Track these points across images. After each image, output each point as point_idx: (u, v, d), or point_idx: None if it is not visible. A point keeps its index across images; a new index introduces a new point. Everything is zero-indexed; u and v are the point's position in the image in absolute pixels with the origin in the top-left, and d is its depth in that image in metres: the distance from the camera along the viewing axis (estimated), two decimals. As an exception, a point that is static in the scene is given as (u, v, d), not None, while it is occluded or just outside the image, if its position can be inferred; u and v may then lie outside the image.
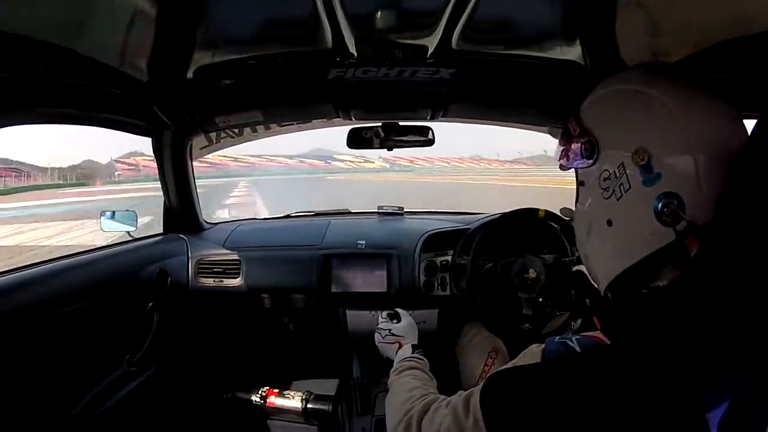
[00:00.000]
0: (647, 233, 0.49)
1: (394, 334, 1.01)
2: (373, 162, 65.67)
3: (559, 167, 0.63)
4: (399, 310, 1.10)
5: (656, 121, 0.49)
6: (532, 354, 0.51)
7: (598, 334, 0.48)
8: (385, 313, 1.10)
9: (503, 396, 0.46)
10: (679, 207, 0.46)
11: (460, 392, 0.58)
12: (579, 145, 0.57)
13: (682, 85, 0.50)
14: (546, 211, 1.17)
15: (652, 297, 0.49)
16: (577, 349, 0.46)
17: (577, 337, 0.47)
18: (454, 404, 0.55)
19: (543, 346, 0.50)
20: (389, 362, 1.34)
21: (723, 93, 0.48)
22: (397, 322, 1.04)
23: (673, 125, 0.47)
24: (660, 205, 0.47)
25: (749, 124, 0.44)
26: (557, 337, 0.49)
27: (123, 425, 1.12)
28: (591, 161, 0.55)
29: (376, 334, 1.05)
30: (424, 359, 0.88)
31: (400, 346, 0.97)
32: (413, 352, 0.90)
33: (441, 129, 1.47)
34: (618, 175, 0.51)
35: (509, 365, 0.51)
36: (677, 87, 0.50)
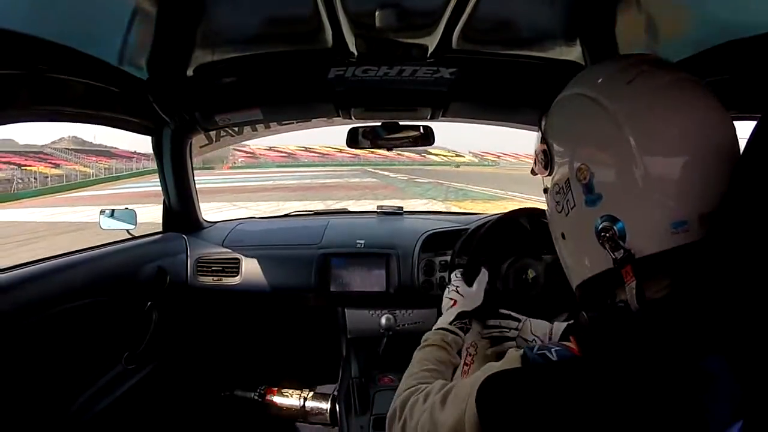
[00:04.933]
0: (593, 254, 0.46)
1: (458, 293, 0.93)
2: (464, 156, 67.97)
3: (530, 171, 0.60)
4: (483, 271, 0.98)
5: (601, 136, 0.44)
6: (513, 360, 0.47)
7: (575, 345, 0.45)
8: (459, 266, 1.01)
9: (501, 400, 0.44)
10: (619, 233, 0.42)
11: (438, 383, 0.56)
12: (539, 152, 0.54)
13: (643, 94, 0.43)
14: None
15: (630, 311, 0.46)
16: (554, 358, 0.43)
17: (557, 348, 0.44)
18: (432, 403, 0.52)
19: (521, 352, 0.46)
20: (387, 361, 1.31)
21: (721, 94, 0.46)
22: (468, 284, 0.95)
23: (619, 144, 0.42)
24: (599, 228, 0.44)
25: (749, 126, 0.40)
26: (536, 347, 0.46)
27: (121, 423, 1.12)
28: (547, 171, 0.53)
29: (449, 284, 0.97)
30: (460, 334, 0.80)
31: (454, 305, 0.90)
32: (452, 322, 0.83)
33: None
34: (565, 191, 0.49)
35: (498, 368, 0.47)
36: (634, 96, 0.43)
